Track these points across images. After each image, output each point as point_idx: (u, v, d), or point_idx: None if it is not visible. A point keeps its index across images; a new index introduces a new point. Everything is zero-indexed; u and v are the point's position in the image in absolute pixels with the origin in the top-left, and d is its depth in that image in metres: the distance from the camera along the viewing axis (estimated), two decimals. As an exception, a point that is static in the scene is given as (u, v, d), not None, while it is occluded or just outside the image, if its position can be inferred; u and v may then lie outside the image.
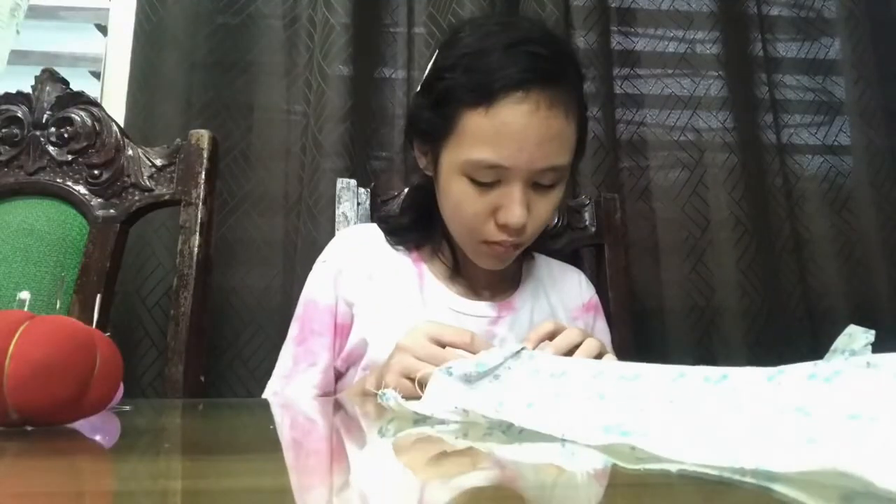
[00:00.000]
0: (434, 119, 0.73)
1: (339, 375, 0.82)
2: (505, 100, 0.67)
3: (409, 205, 0.89)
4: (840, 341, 0.54)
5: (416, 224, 0.84)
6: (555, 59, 0.69)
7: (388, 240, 0.85)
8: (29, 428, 0.37)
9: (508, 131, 0.67)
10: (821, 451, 0.23)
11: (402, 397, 0.46)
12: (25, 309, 0.39)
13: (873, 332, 0.53)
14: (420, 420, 0.44)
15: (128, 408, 0.52)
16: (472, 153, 0.69)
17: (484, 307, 0.82)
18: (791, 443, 0.25)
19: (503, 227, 0.71)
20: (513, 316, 0.83)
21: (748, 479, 0.23)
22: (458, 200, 0.73)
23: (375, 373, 0.67)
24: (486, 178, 0.70)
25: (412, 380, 0.57)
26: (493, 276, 0.84)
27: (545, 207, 0.73)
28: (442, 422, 0.42)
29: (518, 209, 0.69)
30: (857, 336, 0.53)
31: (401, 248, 0.84)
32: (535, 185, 0.71)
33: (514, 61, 0.67)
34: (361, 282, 0.81)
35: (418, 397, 0.48)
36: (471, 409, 0.41)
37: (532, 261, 0.90)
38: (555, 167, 0.70)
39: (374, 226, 0.88)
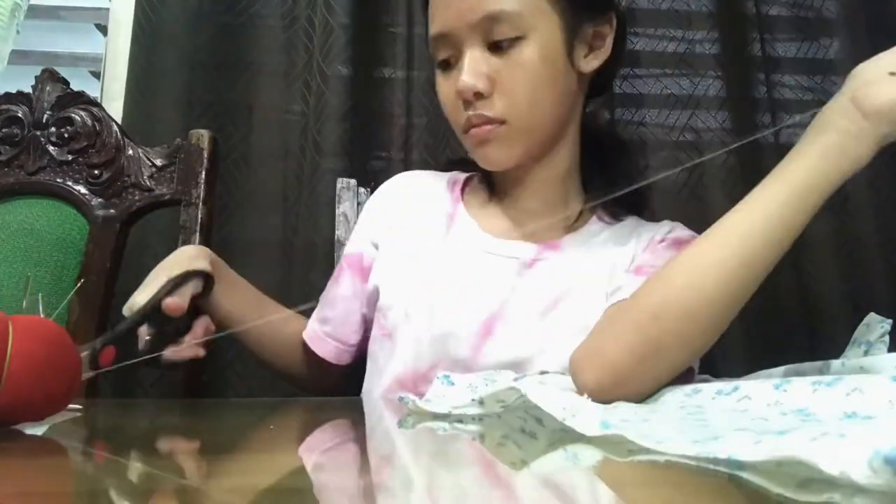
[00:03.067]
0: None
1: (368, 322, 0.78)
2: None
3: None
4: (858, 332, 0.55)
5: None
6: None
7: (443, 170, 0.83)
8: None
9: None
10: (785, 443, 0.25)
11: None
12: (40, 311, 0.39)
13: (890, 321, 0.54)
14: (439, 417, 0.44)
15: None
16: (429, 37, 0.69)
17: (520, 247, 0.71)
18: (762, 435, 0.27)
19: (464, 102, 0.67)
20: (555, 258, 0.70)
21: (721, 468, 0.26)
22: (439, 95, 0.71)
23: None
24: (443, 55, 0.68)
25: None
26: (540, 208, 0.73)
27: (513, 72, 0.65)
28: (459, 420, 0.43)
29: (465, 70, 0.65)
30: (873, 326, 0.54)
31: (452, 176, 0.81)
32: (494, 47, 0.66)
33: None
34: (386, 230, 0.78)
35: None
36: (486, 395, 0.42)
37: (613, 218, 0.75)
38: (493, 14, 0.64)
39: (419, 172, 0.87)
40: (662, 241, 0.70)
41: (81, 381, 0.41)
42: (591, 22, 0.69)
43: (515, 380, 0.42)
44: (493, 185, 0.76)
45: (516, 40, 0.65)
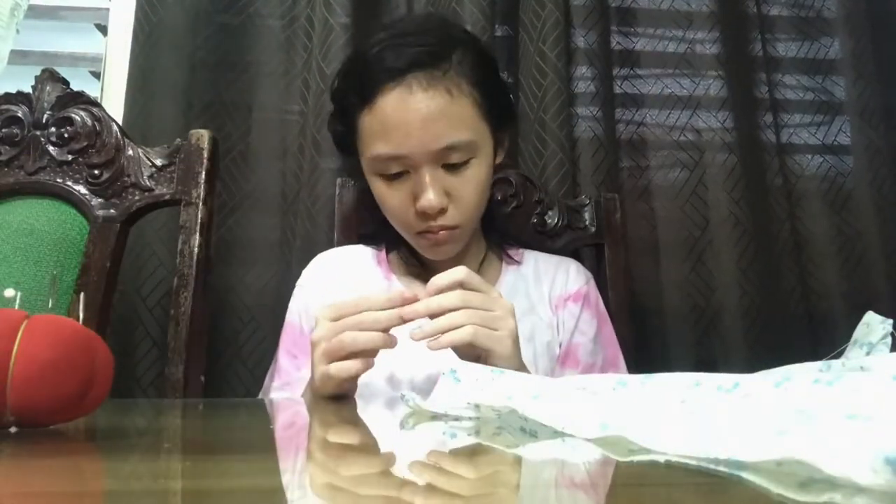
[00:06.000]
0: (341, 130, 0.79)
1: None
2: (381, 93, 0.71)
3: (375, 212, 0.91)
4: (859, 331, 0.55)
5: (381, 231, 0.87)
6: (429, 45, 0.73)
7: (367, 245, 0.88)
8: (13, 430, 0.37)
9: (391, 121, 0.71)
10: (785, 443, 0.25)
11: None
12: (16, 307, 0.38)
13: (890, 321, 0.53)
14: (436, 416, 0.44)
15: None
16: (370, 151, 0.74)
17: None
18: (762, 435, 0.27)
19: (423, 214, 0.73)
20: None
21: (721, 468, 0.26)
22: (380, 199, 0.77)
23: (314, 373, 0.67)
24: (393, 170, 0.73)
25: (343, 357, 0.60)
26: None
27: (466, 186, 0.74)
28: (456, 418, 0.43)
29: (429, 192, 0.71)
30: (874, 327, 0.53)
31: (379, 250, 0.88)
32: (448, 166, 0.73)
33: (385, 57, 0.72)
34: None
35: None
36: (482, 402, 0.42)
37: (514, 260, 0.89)
38: (453, 145, 0.71)
39: (348, 247, 0.92)
40: (568, 299, 0.86)
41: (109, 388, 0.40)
42: (504, 129, 0.81)
43: (509, 398, 0.42)
44: (418, 257, 0.84)
45: (467, 161, 0.73)
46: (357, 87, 0.74)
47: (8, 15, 1.11)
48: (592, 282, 0.91)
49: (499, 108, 0.78)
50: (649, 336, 1.18)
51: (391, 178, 0.74)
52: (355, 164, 0.82)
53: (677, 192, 1.23)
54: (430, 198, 0.71)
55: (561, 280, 0.88)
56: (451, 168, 0.73)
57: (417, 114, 0.70)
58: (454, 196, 0.73)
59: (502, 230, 0.94)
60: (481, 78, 0.75)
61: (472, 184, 0.74)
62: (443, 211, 0.73)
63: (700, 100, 1.25)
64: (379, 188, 0.76)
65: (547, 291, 0.87)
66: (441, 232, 0.74)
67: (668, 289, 1.19)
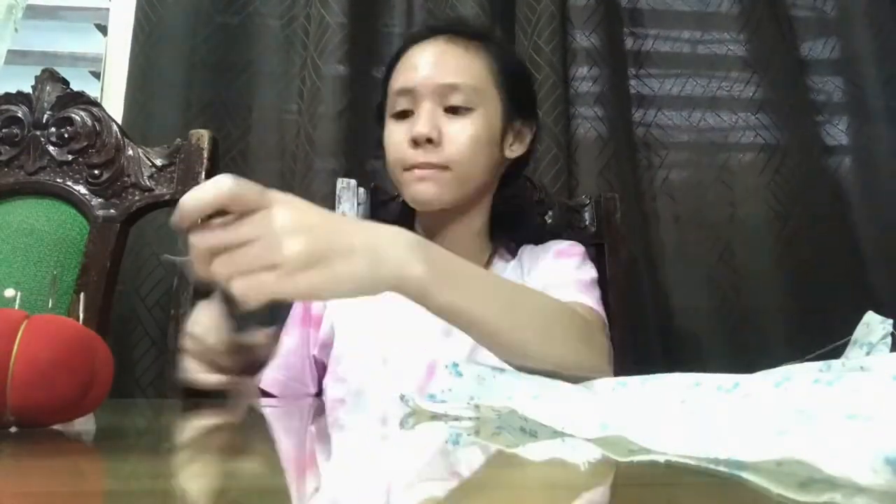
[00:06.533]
0: (380, 101, 0.87)
1: (322, 366, 0.84)
2: (411, 47, 0.82)
3: (385, 198, 0.98)
4: (859, 331, 0.55)
5: (389, 214, 0.91)
6: (459, 24, 0.84)
7: None
8: (13, 430, 0.37)
9: (410, 62, 0.80)
10: (785, 443, 0.25)
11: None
12: (16, 307, 0.38)
13: (891, 321, 0.53)
14: (436, 416, 0.44)
15: None
16: (389, 92, 0.82)
17: None
18: (762, 435, 0.27)
19: (413, 143, 0.77)
20: None
21: (721, 468, 0.26)
22: (387, 140, 0.82)
23: None
24: (401, 106, 0.79)
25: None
26: None
27: (461, 131, 0.77)
28: (456, 418, 0.43)
29: (422, 120, 0.76)
30: (874, 327, 0.53)
31: None
32: (449, 109, 0.78)
33: (424, 26, 0.85)
34: None
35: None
36: (482, 403, 0.42)
37: (507, 251, 0.90)
38: (456, 84, 0.77)
39: None
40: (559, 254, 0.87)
41: (108, 388, 0.40)
42: (520, 119, 0.83)
43: (509, 398, 0.42)
44: None
45: (467, 110, 0.78)
46: (395, 56, 0.84)
47: (4, 14, 1.11)
48: (576, 247, 0.89)
49: (520, 98, 0.83)
50: (675, 337, 1.18)
51: (398, 116, 0.80)
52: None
53: (690, 192, 1.24)
54: (422, 123, 0.76)
55: (543, 255, 0.88)
56: (452, 112, 0.78)
57: (433, 54, 0.79)
58: (448, 136, 0.77)
59: (530, 236, 0.93)
60: (503, 64, 0.82)
61: (467, 132, 0.78)
62: (432, 142, 0.76)
63: (712, 99, 1.26)
64: (389, 128, 0.81)
65: (536, 274, 0.87)
66: (428, 169, 0.77)
67: (687, 289, 1.20)
